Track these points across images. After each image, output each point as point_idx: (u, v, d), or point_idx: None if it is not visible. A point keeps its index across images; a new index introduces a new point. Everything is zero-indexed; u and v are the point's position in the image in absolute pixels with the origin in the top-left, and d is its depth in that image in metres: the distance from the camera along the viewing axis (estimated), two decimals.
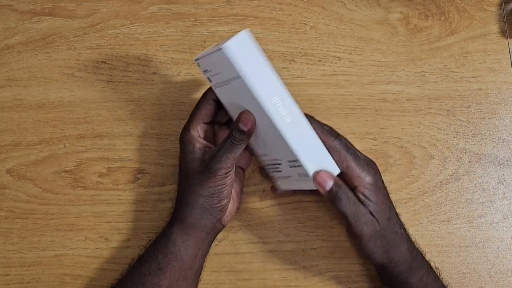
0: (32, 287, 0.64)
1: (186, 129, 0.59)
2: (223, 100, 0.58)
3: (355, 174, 0.56)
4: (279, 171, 0.59)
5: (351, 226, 0.56)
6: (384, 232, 0.56)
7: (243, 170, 0.64)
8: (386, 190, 0.59)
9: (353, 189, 0.56)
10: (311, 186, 0.56)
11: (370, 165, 0.57)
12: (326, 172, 0.55)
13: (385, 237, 0.56)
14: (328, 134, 0.57)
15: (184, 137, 0.59)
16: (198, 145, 0.58)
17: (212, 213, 0.57)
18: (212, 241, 0.60)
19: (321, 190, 0.55)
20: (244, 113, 0.55)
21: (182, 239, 0.57)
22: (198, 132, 0.59)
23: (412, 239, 0.59)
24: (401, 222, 0.59)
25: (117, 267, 0.64)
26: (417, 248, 0.59)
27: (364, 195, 0.56)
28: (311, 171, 0.55)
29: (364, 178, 0.56)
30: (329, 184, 0.55)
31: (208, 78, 0.58)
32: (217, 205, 0.57)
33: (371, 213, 0.56)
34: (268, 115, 0.54)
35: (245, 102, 0.56)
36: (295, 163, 0.56)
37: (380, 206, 0.56)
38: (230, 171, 0.56)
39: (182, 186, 0.59)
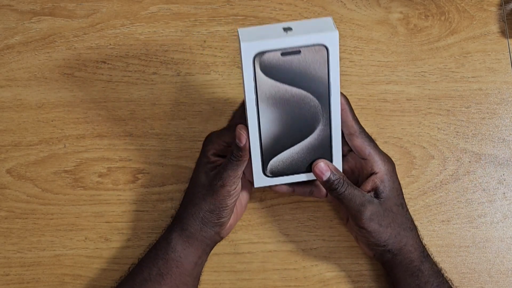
0: (32, 287, 0.64)
1: (215, 136, 0.59)
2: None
3: (376, 161, 0.58)
4: None
5: (349, 208, 0.57)
6: (391, 214, 0.58)
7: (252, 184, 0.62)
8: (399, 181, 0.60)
9: (372, 174, 0.58)
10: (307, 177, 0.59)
11: (387, 156, 0.60)
12: (324, 163, 0.57)
13: (394, 220, 0.58)
14: (355, 122, 0.58)
15: (208, 144, 0.59)
16: (212, 159, 0.58)
17: (211, 227, 0.58)
18: (210, 252, 0.60)
19: (319, 179, 0.57)
20: (238, 127, 0.55)
21: (183, 246, 0.58)
22: (221, 145, 0.58)
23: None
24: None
25: (117, 267, 0.64)
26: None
27: (382, 180, 0.58)
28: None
29: (383, 166, 0.58)
30: (327, 174, 0.56)
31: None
32: (215, 221, 0.58)
33: (378, 197, 0.58)
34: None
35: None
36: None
37: (394, 192, 0.58)
38: (232, 190, 0.56)
39: (188, 193, 0.60)
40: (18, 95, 0.68)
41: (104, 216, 0.65)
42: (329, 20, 0.53)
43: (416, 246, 0.59)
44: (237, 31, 0.52)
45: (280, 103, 0.54)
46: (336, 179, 0.56)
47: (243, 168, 0.56)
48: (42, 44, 0.69)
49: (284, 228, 0.65)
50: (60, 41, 0.69)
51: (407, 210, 0.60)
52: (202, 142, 0.65)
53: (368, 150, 0.58)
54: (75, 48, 0.69)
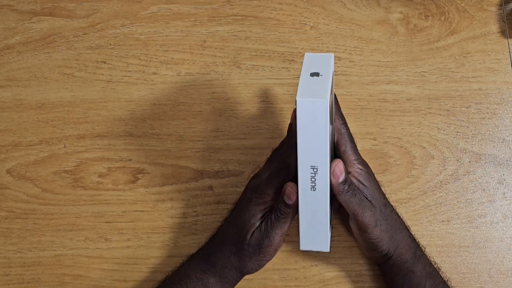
0: (32, 287, 0.64)
1: (263, 186, 0.56)
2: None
3: (350, 159, 0.56)
4: None
5: (357, 215, 0.55)
6: (384, 217, 0.56)
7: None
8: (378, 184, 0.59)
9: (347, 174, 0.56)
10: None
11: (363, 160, 0.58)
12: (341, 166, 0.53)
13: (387, 221, 0.57)
14: (339, 117, 0.57)
15: (254, 194, 0.56)
16: (260, 215, 0.56)
17: (248, 274, 0.59)
18: None
19: (335, 179, 0.53)
20: (287, 185, 0.54)
21: None
22: (270, 195, 0.56)
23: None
24: (397, 212, 0.60)
25: (117, 267, 0.64)
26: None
27: (358, 180, 0.56)
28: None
29: (357, 164, 0.56)
30: (342, 176, 0.53)
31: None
32: (255, 271, 0.58)
33: (367, 198, 0.55)
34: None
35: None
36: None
37: (374, 191, 0.56)
38: (279, 247, 0.57)
39: (233, 246, 0.57)
40: (18, 95, 0.68)
41: (104, 216, 0.65)
42: (313, 54, 0.52)
43: (408, 248, 0.58)
44: (296, 102, 0.48)
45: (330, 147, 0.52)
46: (349, 181, 0.54)
47: (290, 224, 0.56)
48: (42, 44, 0.69)
49: None
50: (60, 41, 0.69)
51: (392, 209, 0.58)
52: (202, 143, 0.65)
53: (344, 146, 0.56)
54: (75, 48, 0.69)
